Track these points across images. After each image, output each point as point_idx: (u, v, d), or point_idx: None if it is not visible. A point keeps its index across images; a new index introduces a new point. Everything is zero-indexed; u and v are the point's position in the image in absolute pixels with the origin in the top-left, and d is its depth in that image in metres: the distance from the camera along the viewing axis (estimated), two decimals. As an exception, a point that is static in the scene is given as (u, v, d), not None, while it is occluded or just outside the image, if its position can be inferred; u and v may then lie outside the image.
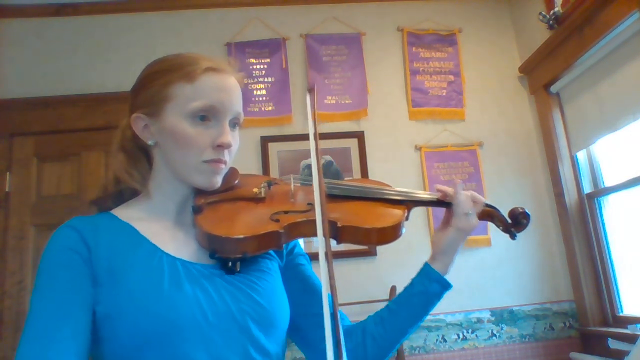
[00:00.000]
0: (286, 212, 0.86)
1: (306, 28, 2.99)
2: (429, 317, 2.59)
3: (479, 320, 2.68)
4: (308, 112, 0.83)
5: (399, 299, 0.94)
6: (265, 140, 2.80)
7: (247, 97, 2.85)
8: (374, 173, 2.82)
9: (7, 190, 2.63)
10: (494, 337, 2.67)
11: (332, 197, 0.93)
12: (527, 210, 0.99)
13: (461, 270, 2.70)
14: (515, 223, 1.00)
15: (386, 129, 2.91)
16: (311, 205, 0.87)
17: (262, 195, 0.90)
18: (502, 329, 2.68)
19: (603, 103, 2.50)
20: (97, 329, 0.73)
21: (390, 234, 0.89)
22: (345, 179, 0.95)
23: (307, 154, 2.81)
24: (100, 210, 0.89)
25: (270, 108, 2.85)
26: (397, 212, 0.92)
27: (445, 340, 2.63)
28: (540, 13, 2.68)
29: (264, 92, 2.88)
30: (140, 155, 0.91)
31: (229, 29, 2.94)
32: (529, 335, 2.68)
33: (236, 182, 0.92)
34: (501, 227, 1.01)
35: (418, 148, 2.89)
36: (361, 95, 2.92)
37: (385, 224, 0.88)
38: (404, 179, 2.81)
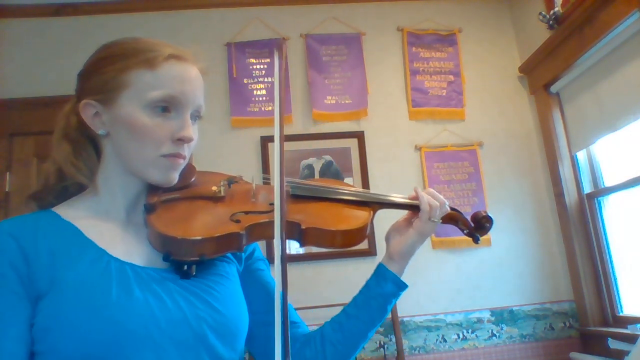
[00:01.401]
0: (247, 213, 0.82)
1: (306, 28, 2.99)
2: (428, 317, 2.61)
3: (479, 320, 2.68)
4: (276, 71, 0.78)
5: (355, 302, 0.92)
6: (265, 140, 2.80)
7: (247, 97, 2.85)
8: (374, 173, 2.82)
9: (7, 190, 2.63)
10: (494, 337, 2.66)
11: (296, 197, 0.89)
12: (489, 214, 0.98)
13: (461, 270, 2.71)
14: (478, 227, 0.99)
15: (386, 129, 2.91)
16: (273, 205, 0.83)
17: (222, 194, 0.84)
18: (502, 329, 2.68)
19: (603, 103, 2.50)
20: (35, 342, 0.67)
21: (356, 236, 0.86)
22: (309, 180, 0.93)
23: (307, 154, 2.82)
24: (41, 207, 0.81)
25: (270, 108, 2.85)
26: (363, 214, 0.89)
27: (445, 340, 2.63)
28: (540, 13, 2.68)
29: (264, 92, 2.88)
30: (87, 145, 0.82)
31: (229, 29, 2.94)
32: (529, 335, 2.68)
33: (193, 179, 0.86)
34: (465, 231, 1.00)
35: (418, 148, 2.89)
36: (361, 95, 2.92)
37: (351, 227, 0.85)
38: (404, 179, 2.82)
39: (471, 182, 2.86)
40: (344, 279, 2.61)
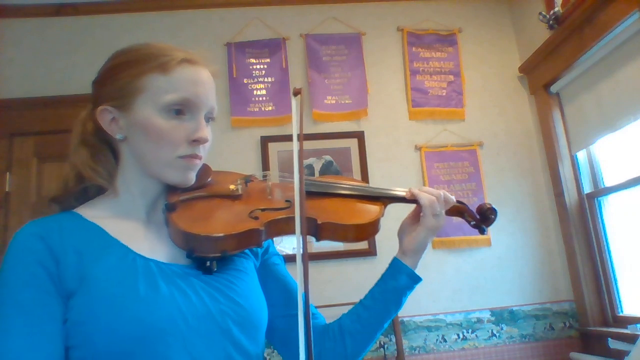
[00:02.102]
0: (264, 210, 0.84)
1: (306, 28, 2.99)
2: (428, 317, 2.62)
3: (479, 320, 2.68)
4: (294, 113, 0.83)
5: (372, 295, 0.95)
6: (265, 140, 2.80)
7: (247, 97, 2.85)
8: (374, 173, 2.82)
9: (7, 190, 2.63)
10: (494, 337, 2.66)
11: (309, 194, 0.92)
12: (494, 206, 1.02)
13: (461, 270, 2.71)
14: (483, 218, 1.02)
15: (386, 129, 2.91)
16: (289, 202, 0.87)
17: (239, 192, 0.87)
18: (502, 329, 2.68)
19: (603, 103, 2.50)
20: (69, 337, 0.69)
21: (369, 230, 0.89)
22: (321, 177, 0.99)
23: (307, 154, 2.82)
24: (63, 209, 0.83)
25: (270, 108, 2.85)
26: (374, 209, 0.93)
27: (445, 340, 2.63)
28: (540, 13, 2.68)
29: (264, 92, 2.88)
30: (105, 149, 0.84)
31: (229, 29, 2.94)
32: (529, 335, 2.68)
33: (209, 179, 0.88)
34: (472, 223, 1.03)
35: (418, 148, 2.89)
36: (361, 95, 2.92)
37: (364, 220, 0.89)
38: (404, 179, 2.82)
39: (471, 182, 2.86)
40: (344, 279, 2.61)
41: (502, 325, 2.68)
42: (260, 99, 2.87)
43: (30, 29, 2.86)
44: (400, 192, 0.98)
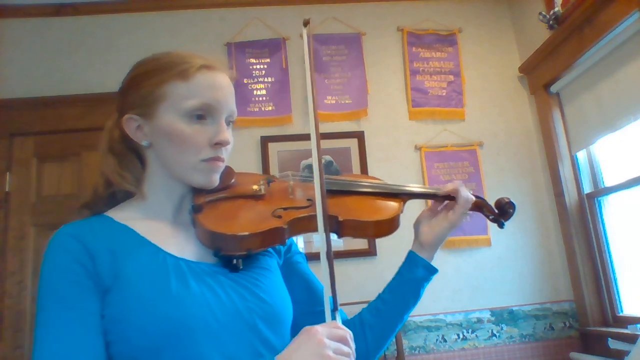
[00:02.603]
0: (286, 209, 0.87)
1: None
2: (428, 317, 2.62)
3: (479, 320, 2.68)
4: (305, 44, 0.83)
5: (390, 288, 0.97)
6: (265, 140, 2.80)
7: (247, 97, 2.85)
8: (374, 173, 2.81)
9: (7, 190, 2.63)
10: (494, 337, 2.66)
11: (330, 192, 0.94)
12: (512, 200, 1.05)
13: (461, 270, 2.71)
14: (502, 212, 1.05)
15: (386, 129, 2.91)
16: (311, 200, 0.89)
17: (262, 192, 0.90)
18: (502, 329, 2.68)
19: (603, 103, 2.50)
20: (107, 333, 0.72)
21: (389, 226, 0.92)
22: (341, 175, 1.03)
23: (307, 154, 2.81)
24: (93, 213, 0.87)
25: (270, 108, 2.85)
26: (394, 205, 0.95)
27: (445, 340, 2.63)
28: (540, 13, 2.68)
29: (264, 92, 2.88)
30: (131, 156, 0.88)
31: (229, 29, 2.94)
32: (529, 335, 2.68)
33: (233, 180, 0.92)
34: (491, 217, 1.06)
35: (418, 148, 2.89)
36: (361, 95, 2.92)
37: (384, 217, 0.91)
38: (404, 179, 2.80)
39: (471, 182, 2.86)
40: (344, 279, 2.61)
41: (502, 325, 2.68)
42: (260, 99, 2.87)
43: (30, 29, 2.86)
44: (422, 188, 1.02)
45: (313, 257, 0.98)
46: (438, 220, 0.98)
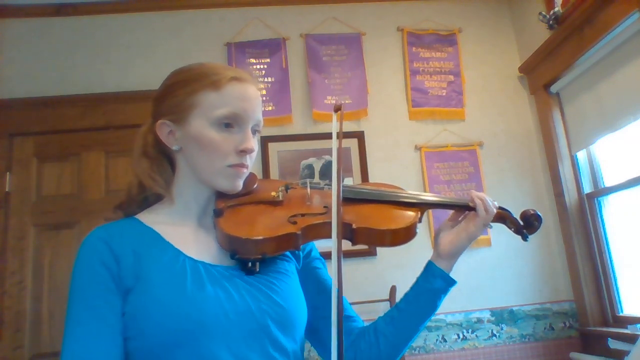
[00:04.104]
0: (303, 215, 0.90)
1: (306, 28, 2.99)
2: (429, 317, 2.61)
3: (479, 320, 2.68)
4: (334, 130, 0.88)
5: (407, 298, 0.97)
6: (265, 140, 2.80)
7: (247, 97, 2.85)
8: (374, 173, 2.82)
9: (7, 190, 2.63)
10: (494, 337, 2.67)
11: (347, 200, 0.96)
12: (538, 212, 1.01)
13: (461, 270, 2.69)
14: (527, 225, 1.02)
15: (386, 129, 2.91)
16: (327, 208, 0.92)
17: (280, 198, 0.93)
18: (502, 329, 2.68)
19: (603, 103, 2.50)
20: (126, 329, 0.77)
21: (404, 235, 0.92)
22: (360, 184, 1.08)
23: (307, 154, 2.81)
24: (126, 215, 0.92)
25: (270, 108, 2.85)
26: (410, 215, 0.95)
27: (445, 340, 2.63)
28: (540, 13, 2.68)
29: (264, 92, 2.88)
30: (163, 160, 0.94)
31: (229, 29, 2.94)
32: (529, 335, 2.68)
33: (255, 186, 0.95)
34: (513, 229, 1.03)
35: (418, 148, 2.89)
36: (361, 95, 2.92)
37: (399, 226, 0.92)
38: (404, 179, 2.81)
39: (471, 182, 2.86)
40: (344, 279, 2.60)
41: (502, 325, 2.68)
42: (260, 99, 2.86)
43: (30, 29, 2.86)
44: (442, 199, 1.03)
45: (324, 256, 1.00)
46: (457, 231, 0.98)
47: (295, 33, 2.98)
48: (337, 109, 0.90)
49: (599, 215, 2.66)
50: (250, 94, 0.89)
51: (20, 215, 2.61)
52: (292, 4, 3.02)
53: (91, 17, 2.90)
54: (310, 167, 2.80)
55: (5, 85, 2.75)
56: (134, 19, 2.93)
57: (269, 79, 2.90)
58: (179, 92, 0.88)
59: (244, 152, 0.87)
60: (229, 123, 0.86)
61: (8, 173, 2.64)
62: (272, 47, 2.94)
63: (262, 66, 2.91)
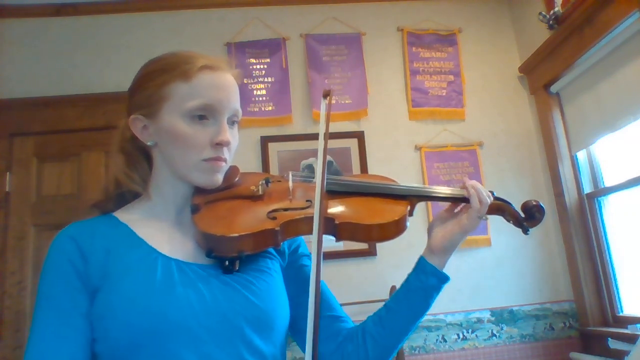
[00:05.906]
0: (285, 210, 0.85)
1: (306, 28, 2.99)
2: (428, 317, 2.61)
3: (479, 320, 2.68)
4: (322, 114, 0.83)
5: (397, 296, 0.91)
6: (265, 140, 2.80)
7: (247, 97, 2.85)
8: (374, 173, 2.81)
9: (7, 190, 2.63)
10: (494, 337, 2.66)
11: (332, 193, 0.90)
12: (541, 204, 0.93)
13: (461, 270, 2.70)
14: (528, 217, 0.94)
15: (386, 129, 2.91)
16: (310, 202, 0.86)
17: (260, 192, 0.88)
18: (502, 329, 2.68)
19: (603, 103, 2.50)
20: (93, 330, 0.75)
21: (393, 229, 0.86)
22: (349, 175, 0.96)
23: (307, 154, 2.81)
24: (102, 212, 0.89)
25: (270, 108, 2.85)
26: (399, 208, 0.89)
27: (445, 340, 2.63)
28: (540, 13, 2.68)
29: (264, 92, 2.88)
30: (140, 156, 0.90)
31: (229, 29, 2.94)
32: (529, 335, 2.68)
33: (236, 180, 0.90)
34: (512, 221, 0.95)
35: (418, 148, 2.89)
36: (361, 96, 2.92)
37: (386, 220, 0.85)
38: (404, 179, 2.76)
39: (471, 182, 2.85)
40: (344, 279, 2.61)
41: (502, 325, 2.68)
42: (260, 99, 2.87)
43: (30, 29, 2.86)
44: (435, 190, 0.94)
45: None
46: (450, 224, 0.91)
47: (295, 33, 2.98)
48: (326, 94, 0.85)
49: (599, 215, 2.66)
50: (223, 82, 0.84)
51: (20, 215, 2.61)
52: (292, 4, 3.02)
53: (91, 17, 2.90)
54: (310, 167, 2.80)
55: (5, 85, 2.75)
56: (134, 19, 2.93)
57: (269, 79, 2.90)
58: (149, 84, 0.84)
59: (219, 144, 0.83)
60: (203, 115, 0.82)
61: (8, 173, 2.65)
62: (272, 47, 2.94)
63: (262, 66, 2.91)
